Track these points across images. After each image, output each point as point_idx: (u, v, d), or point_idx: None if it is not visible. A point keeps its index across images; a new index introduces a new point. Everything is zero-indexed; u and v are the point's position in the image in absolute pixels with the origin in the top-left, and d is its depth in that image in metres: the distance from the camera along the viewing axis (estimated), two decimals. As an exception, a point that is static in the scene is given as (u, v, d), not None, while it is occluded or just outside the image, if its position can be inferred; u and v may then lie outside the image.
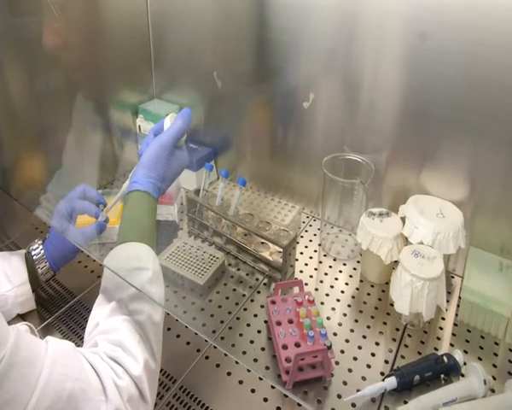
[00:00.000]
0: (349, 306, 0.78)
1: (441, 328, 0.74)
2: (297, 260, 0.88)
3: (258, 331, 0.73)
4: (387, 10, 0.74)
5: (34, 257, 0.72)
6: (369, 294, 0.80)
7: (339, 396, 0.63)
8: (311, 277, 0.84)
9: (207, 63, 1.02)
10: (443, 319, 0.76)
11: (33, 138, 0.94)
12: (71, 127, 0.94)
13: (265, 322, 0.74)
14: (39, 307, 0.76)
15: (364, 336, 0.72)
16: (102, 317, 0.51)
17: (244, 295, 0.80)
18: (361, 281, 0.83)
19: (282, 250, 0.80)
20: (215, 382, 0.65)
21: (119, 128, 1.11)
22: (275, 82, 0.93)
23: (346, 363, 0.67)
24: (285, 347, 0.65)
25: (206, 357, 0.69)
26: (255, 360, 0.68)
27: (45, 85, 0.91)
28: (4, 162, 0.90)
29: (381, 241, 0.76)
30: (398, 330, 0.73)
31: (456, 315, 0.75)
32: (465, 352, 0.68)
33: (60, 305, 0.78)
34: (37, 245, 0.73)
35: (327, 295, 0.80)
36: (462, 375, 0.64)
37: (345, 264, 0.88)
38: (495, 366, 0.68)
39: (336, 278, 0.84)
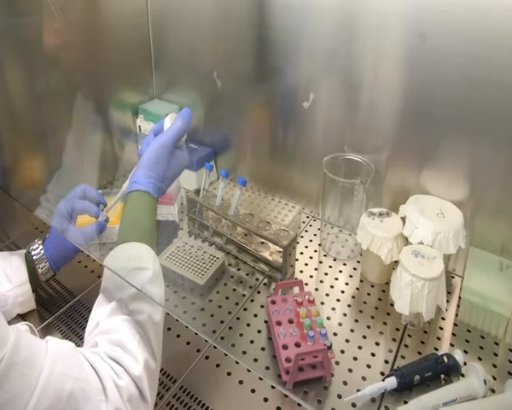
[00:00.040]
0: (349, 306, 0.78)
1: (441, 328, 0.74)
2: (297, 260, 0.88)
3: (259, 331, 0.73)
4: (387, 10, 0.74)
5: (34, 257, 0.72)
6: (369, 294, 0.80)
7: (339, 396, 0.63)
8: (311, 277, 0.85)
9: (207, 63, 1.02)
10: (443, 319, 0.76)
11: (33, 138, 0.94)
12: (71, 127, 0.94)
13: (265, 322, 0.74)
14: (39, 306, 0.76)
15: (364, 336, 0.72)
16: (103, 317, 0.51)
17: (244, 295, 0.80)
18: (361, 281, 0.83)
19: (282, 250, 0.80)
20: (215, 382, 0.65)
21: (119, 128, 1.11)
22: (275, 82, 0.93)
23: (346, 363, 0.67)
24: (285, 347, 0.65)
25: (207, 357, 0.69)
26: (255, 360, 0.68)
27: (45, 85, 0.91)
28: (4, 162, 0.90)
29: (381, 241, 0.76)
30: (398, 330, 0.73)
31: (457, 315, 0.75)
32: (465, 352, 0.68)
33: (60, 305, 0.78)
34: (37, 245, 0.73)
35: (327, 295, 0.80)
36: (463, 375, 0.64)
37: (345, 264, 0.88)
38: (495, 366, 0.68)
39: (336, 278, 0.84)
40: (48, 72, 0.90)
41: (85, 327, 0.53)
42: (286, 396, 0.63)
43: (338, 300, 0.79)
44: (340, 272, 0.86)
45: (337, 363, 0.67)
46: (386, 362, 0.68)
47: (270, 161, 1.03)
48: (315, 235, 0.96)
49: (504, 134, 0.71)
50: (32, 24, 0.85)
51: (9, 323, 0.40)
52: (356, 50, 0.81)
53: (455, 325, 0.75)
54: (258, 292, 0.81)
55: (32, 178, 0.96)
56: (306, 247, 0.92)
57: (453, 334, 0.73)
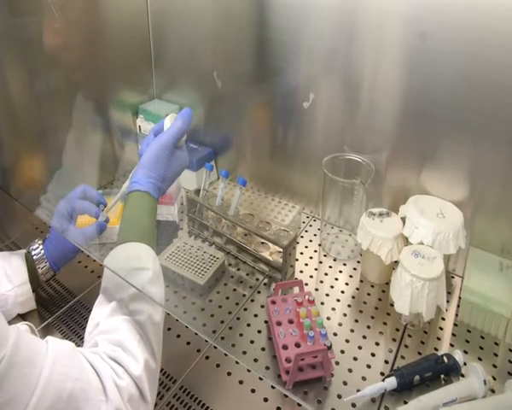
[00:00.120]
0: (349, 306, 0.78)
1: (441, 328, 0.74)
2: (297, 260, 0.88)
3: (259, 331, 0.73)
4: (387, 10, 0.74)
5: (34, 257, 0.72)
6: (369, 294, 0.80)
7: (339, 396, 0.63)
8: (311, 277, 0.85)
9: (207, 63, 1.02)
10: (443, 319, 0.76)
11: (33, 138, 0.94)
12: (71, 127, 0.94)
13: (265, 322, 0.74)
14: (39, 306, 0.76)
15: (364, 337, 0.72)
16: (103, 317, 0.51)
17: (244, 296, 0.80)
18: (361, 281, 0.83)
19: (282, 250, 0.80)
20: (215, 382, 0.65)
21: (119, 128, 1.11)
22: (275, 82, 0.93)
23: (346, 363, 0.67)
24: (285, 347, 0.65)
25: (207, 357, 0.69)
26: (255, 360, 0.68)
27: (45, 85, 0.91)
28: (4, 162, 0.90)
29: (381, 241, 0.76)
30: (398, 330, 0.73)
31: (457, 315, 0.75)
32: (465, 352, 0.68)
33: (60, 305, 0.78)
34: (37, 245, 0.73)
35: (327, 295, 0.80)
36: (462, 375, 0.64)
37: (345, 264, 0.88)
38: (495, 366, 0.68)
39: (336, 279, 0.84)
40: (48, 72, 0.90)
41: (85, 327, 0.53)
42: (286, 396, 0.63)
43: (338, 300, 0.79)
44: (340, 272, 0.86)
45: (337, 363, 0.67)
46: (386, 362, 0.68)
47: (270, 161, 1.03)
48: (315, 235, 0.96)
49: (504, 134, 0.71)
50: (31, 24, 0.85)
51: (10, 323, 0.40)
52: (356, 50, 0.81)
53: (455, 325, 0.75)
54: (259, 292, 0.81)
55: (32, 178, 0.96)
56: (306, 247, 0.92)
57: (453, 334, 0.73)
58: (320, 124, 0.91)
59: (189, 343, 0.71)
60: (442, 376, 0.65)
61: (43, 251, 0.73)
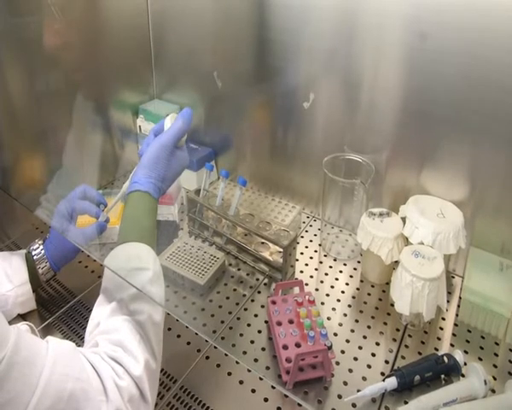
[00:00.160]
0: (349, 306, 0.78)
1: (441, 328, 0.74)
2: (297, 260, 0.88)
3: (259, 331, 0.73)
4: (387, 10, 0.74)
5: (35, 257, 0.72)
6: (369, 294, 0.80)
7: (339, 396, 0.63)
8: (311, 277, 0.85)
9: (207, 63, 1.02)
10: (443, 319, 0.76)
11: (33, 138, 0.94)
12: (71, 127, 0.94)
13: (266, 322, 0.74)
14: (40, 307, 0.76)
15: (365, 337, 0.72)
16: (103, 317, 0.51)
17: (244, 296, 0.80)
18: (361, 281, 0.83)
19: (282, 250, 0.80)
20: (215, 382, 0.65)
21: (119, 128, 1.11)
22: (275, 82, 0.93)
23: (346, 363, 0.67)
24: (285, 347, 0.65)
25: (207, 357, 0.69)
26: (255, 360, 0.68)
27: (45, 85, 0.91)
28: (4, 162, 0.90)
29: (381, 241, 0.76)
30: (398, 330, 0.73)
31: (457, 315, 0.75)
32: (465, 352, 0.68)
33: (60, 305, 0.78)
34: (37, 245, 0.73)
35: (327, 295, 0.80)
36: (463, 375, 0.64)
37: (345, 264, 0.88)
38: (495, 366, 0.68)
39: (337, 279, 0.84)
40: (48, 72, 0.90)
41: (86, 327, 0.53)
42: (286, 396, 0.63)
43: (338, 300, 0.79)
44: (341, 272, 0.86)
45: (337, 363, 0.67)
46: (387, 362, 0.68)
47: (271, 161, 1.03)
48: (315, 235, 0.96)
49: (504, 134, 0.71)
50: (32, 24, 0.85)
51: (10, 323, 0.40)
52: (356, 50, 0.81)
53: (455, 325, 0.75)
54: (259, 292, 0.81)
55: (32, 178, 0.96)
56: (307, 247, 0.92)
57: (453, 334, 0.73)
58: (320, 124, 0.91)
59: (189, 343, 0.71)
60: (442, 376, 0.65)
61: (43, 251, 0.73)
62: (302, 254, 0.90)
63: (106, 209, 0.75)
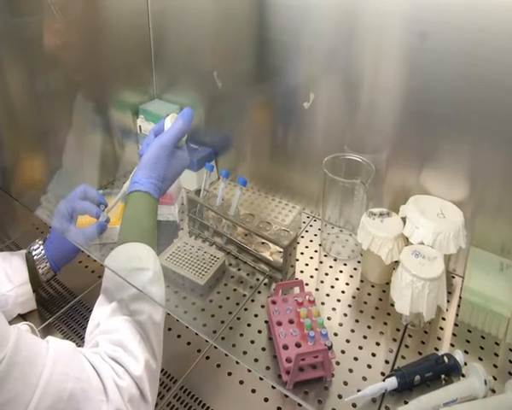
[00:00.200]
0: (350, 306, 0.78)
1: (442, 328, 0.74)
2: (297, 260, 0.88)
3: (259, 331, 0.73)
4: (387, 10, 0.74)
5: (35, 257, 0.72)
6: (369, 294, 0.80)
7: (339, 396, 0.63)
8: (311, 277, 0.85)
9: (207, 63, 1.02)
10: (443, 319, 0.76)
11: (33, 138, 0.94)
12: (71, 127, 0.94)
13: (266, 322, 0.74)
14: (40, 307, 0.76)
15: (365, 337, 0.72)
16: (103, 317, 0.51)
17: (245, 296, 0.80)
18: (361, 281, 0.83)
19: (282, 250, 0.80)
20: (216, 382, 0.65)
21: (119, 128, 1.11)
22: (275, 82, 0.93)
23: (346, 363, 0.67)
24: (286, 347, 0.65)
25: (207, 357, 0.69)
26: (256, 361, 0.68)
27: (45, 85, 0.91)
28: (4, 162, 0.90)
29: (381, 241, 0.76)
30: (398, 330, 0.73)
31: (457, 315, 0.75)
32: (466, 352, 0.68)
33: (60, 305, 0.78)
34: (37, 245, 0.73)
35: (327, 295, 0.80)
36: (463, 375, 0.64)
37: (345, 264, 0.88)
38: (495, 366, 0.68)
39: (337, 279, 0.84)
40: (48, 72, 0.90)
41: (86, 327, 0.53)
42: (286, 396, 0.63)
43: (338, 300, 0.79)
44: (341, 272, 0.86)
45: (337, 363, 0.67)
46: (387, 362, 0.68)
47: (271, 161, 1.03)
48: (315, 235, 0.96)
49: (504, 134, 0.71)
50: (32, 24, 0.85)
51: (10, 323, 0.40)
52: (356, 50, 0.81)
53: (455, 325, 0.75)
54: (259, 292, 0.81)
55: (32, 179, 0.96)
56: (307, 247, 0.92)
57: (453, 334, 0.73)
58: (320, 124, 0.91)
59: (189, 343, 0.71)
60: (442, 376, 0.65)
61: (43, 251, 0.73)
62: (302, 254, 0.90)
63: (106, 209, 0.75)
